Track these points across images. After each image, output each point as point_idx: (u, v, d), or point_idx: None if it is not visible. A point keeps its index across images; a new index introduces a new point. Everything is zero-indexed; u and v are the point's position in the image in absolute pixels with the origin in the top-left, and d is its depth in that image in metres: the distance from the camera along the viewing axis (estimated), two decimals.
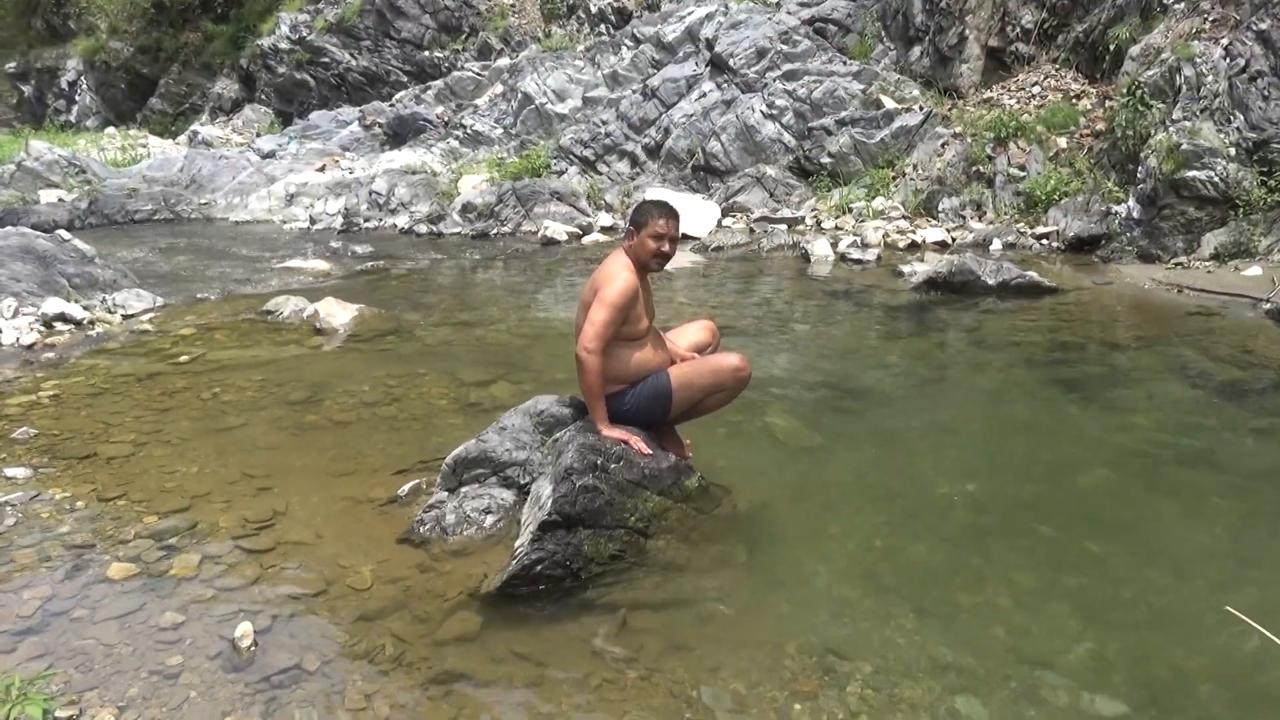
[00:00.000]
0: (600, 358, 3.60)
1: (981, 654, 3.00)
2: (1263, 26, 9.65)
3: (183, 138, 19.03)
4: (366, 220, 13.11)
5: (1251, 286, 8.10)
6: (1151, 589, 3.39)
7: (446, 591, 3.28)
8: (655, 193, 12.59)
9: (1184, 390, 5.70)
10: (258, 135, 18.12)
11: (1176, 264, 9.12)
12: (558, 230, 11.77)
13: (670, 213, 3.80)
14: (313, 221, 13.31)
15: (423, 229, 12.49)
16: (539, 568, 3.25)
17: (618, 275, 3.65)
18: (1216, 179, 9.15)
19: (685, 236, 11.72)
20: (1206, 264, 8.94)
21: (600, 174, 13.75)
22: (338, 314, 6.99)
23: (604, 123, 14.04)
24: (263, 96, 19.97)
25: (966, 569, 3.55)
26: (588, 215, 12.63)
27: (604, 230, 12.22)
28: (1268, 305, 7.50)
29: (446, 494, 3.83)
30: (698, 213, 12.16)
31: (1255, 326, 7.14)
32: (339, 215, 13.28)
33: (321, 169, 15.19)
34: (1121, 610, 3.29)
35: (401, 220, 12.96)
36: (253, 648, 2.95)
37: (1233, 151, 9.29)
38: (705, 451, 4.25)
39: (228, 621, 3.09)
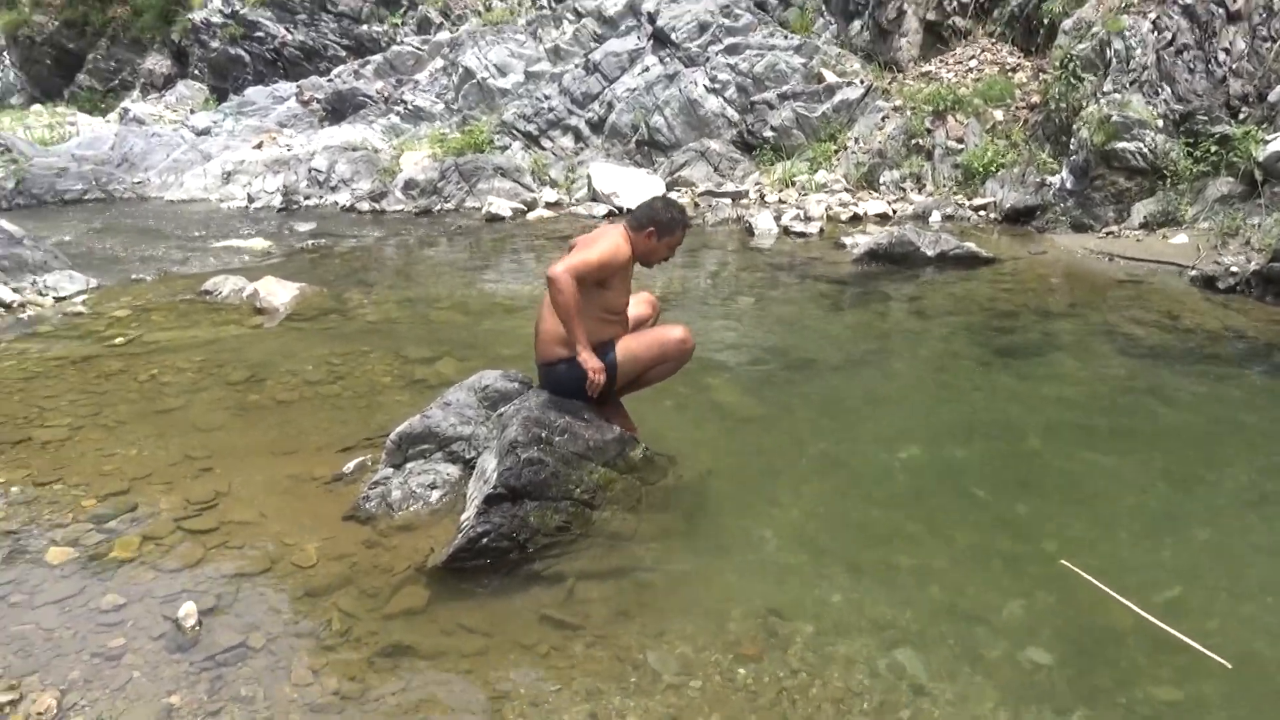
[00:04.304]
0: (573, 283, 3.55)
1: (919, 612, 3.09)
2: (1188, 0, 9.89)
3: (113, 115, 18.39)
4: (306, 198, 12.83)
5: (1178, 254, 8.35)
6: (1079, 546, 3.51)
7: (393, 566, 3.28)
8: (600, 168, 12.56)
9: (1114, 356, 5.88)
10: (191, 112, 17.59)
11: (1108, 233, 9.36)
12: (502, 206, 11.67)
13: (689, 224, 3.94)
14: (251, 200, 13.01)
15: (365, 206, 12.28)
16: (485, 540, 3.27)
17: (615, 242, 3.70)
18: (1145, 150, 9.40)
19: (630, 211, 11.70)
20: (1136, 233, 9.19)
21: (544, 149, 13.63)
22: (278, 293, 6.86)
23: (547, 97, 13.92)
24: (196, 72, 19.38)
25: (905, 532, 3.65)
26: (532, 191, 12.54)
27: (549, 206, 12.14)
28: (1193, 272, 7.74)
29: (392, 470, 3.82)
30: (642, 188, 12.14)
31: (1181, 293, 7.38)
32: (278, 193, 12.98)
33: (259, 146, 14.82)
34: (1051, 567, 3.41)
35: (343, 198, 12.70)
36: (197, 627, 2.92)
37: (1160, 123, 9.53)
38: (651, 423, 4.28)
39: (171, 602, 3.05)
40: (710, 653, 2.87)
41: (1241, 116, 9.32)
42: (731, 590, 3.22)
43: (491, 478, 3.43)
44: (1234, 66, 9.59)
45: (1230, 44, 9.66)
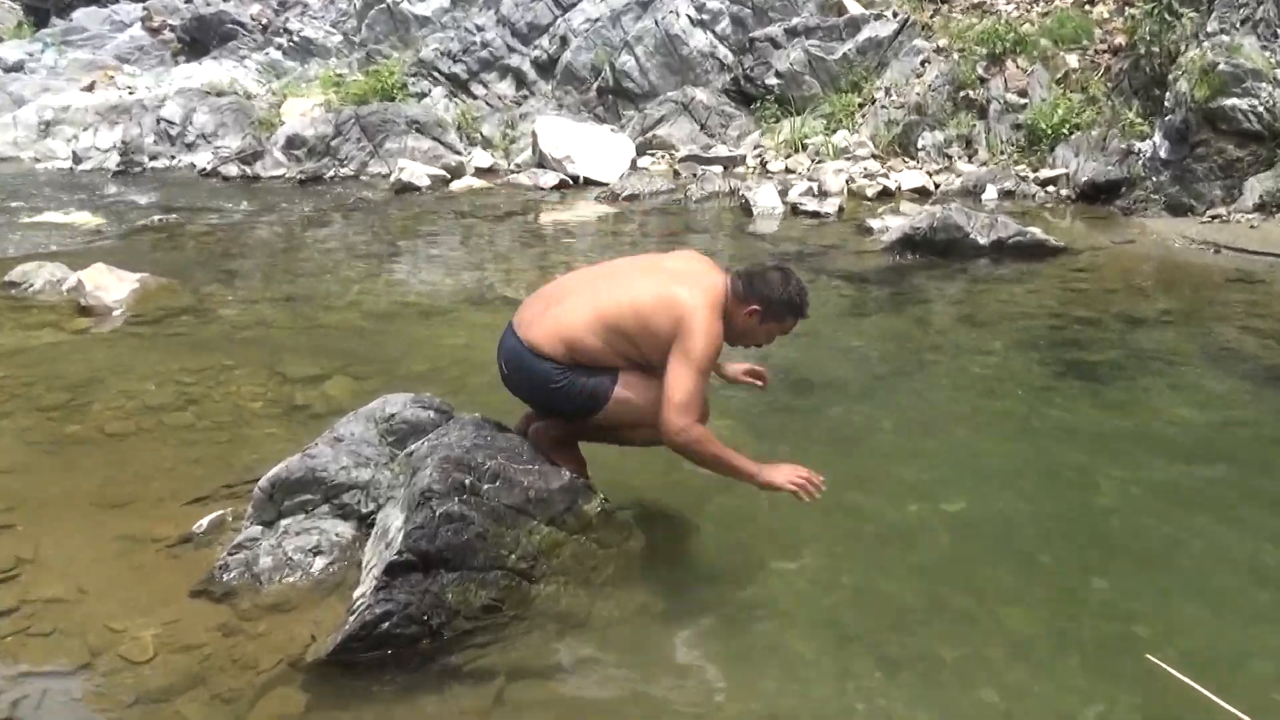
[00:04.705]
0: (701, 426, 3.56)
1: None
2: None
3: None
4: (153, 158, 12.82)
5: None
6: (1181, 631, 3.52)
7: (259, 661, 3.21)
8: (549, 124, 12.55)
9: (1222, 380, 5.94)
10: (0, 40, 17.44)
11: (1213, 217, 9.50)
12: (417, 172, 11.63)
13: (807, 315, 3.92)
14: (77, 159, 12.92)
15: (232, 170, 12.29)
16: (386, 625, 3.21)
17: (709, 327, 3.60)
18: (1261, 108, 9.54)
19: (589, 181, 11.72)
20: (1250, 217, 9.33)
21: (475, 97, 13.65)
22: (112, 286, 6.84)
23: (479, 29, 13.91)
24: None
25: (949, 613, 3.64)
26: (458, 152, 12.53)
27: (480, 172, 12.13)
28: None
29: (261, 529, 3.77)
30: (605, 150, 12.17)
31: None
32: (114, 151, 12.93)
33: (90, 88, 14.71)
34: (1138, 663, 3.40)
35: (202, 158, 12.69)
36: None
37: None
38: (612, 464, 4.24)
39: None
40: None
41: None
42: (718, 692, 3.19)
43: (396, 540, 3.38)
44: None
45: None
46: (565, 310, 3.70)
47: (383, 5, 14.59)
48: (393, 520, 3.51)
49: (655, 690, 3.19)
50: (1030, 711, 3.14)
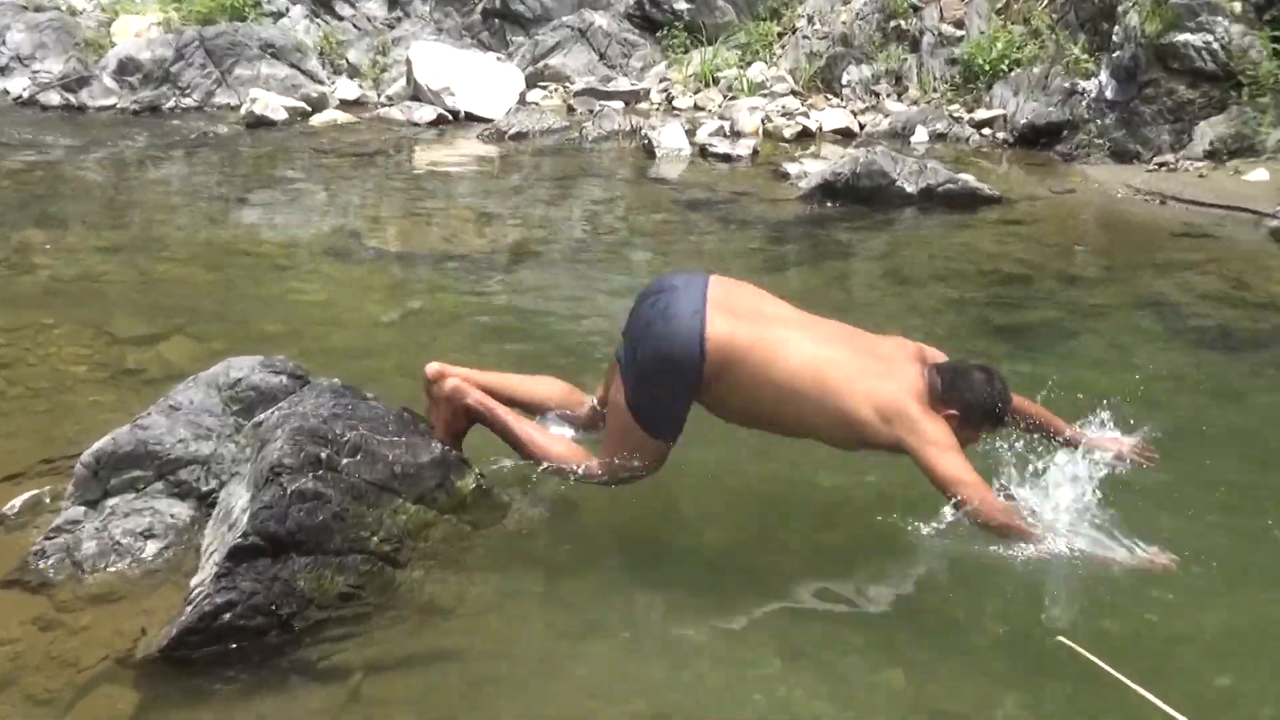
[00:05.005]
0: (1009, 506, 3.65)
1: (871, 709, 3.18)
2: None
3: None
4: None
5: (1256, 196, 8.79)
6: (1099, 615, 3.66)
7: (81, 658, 3.20)
8: (426, 50, 12.45)
9: (1164, 340, 6.16)
10: None
11: (1160, 164, 9.78)
12: (272, 104, 11.46)
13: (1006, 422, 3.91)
14: None
15: (54, 98, 12.08)
16: (228, 616, 3.21)
17: (930, 416, 3.64)
18: (1216, 45, 9.80)
19: (471, 117, 11.66)
20: (1199, 165, 9.62)
21: (341, 18, 13.48)
22: None
23: None
24: None
25: (858, 595, 3.76)
26: (320, 82, 12.38)
27: (345, 105, 11.99)
28: (1274, 223, 8.16)
29: (84, 510, 3.74)
30: (490, 82, 12.11)
31: (1257, 251, 7.81)
32: None
33: None
34: (1059, 643, 3.55)
35: (18, 84, 12.44)
36: None
37: (1238, 8, 9.93)
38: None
39: None
40: None
41: None
42: (605, 688, 3.25)
43: (241, 521, 3.38)
44: None
45: None
46: (758, 333, 3.63)
47: None
48: (237, 499, 3.51)
49: (529, 685, 3.24)
50: (935, 696, 3.25)
